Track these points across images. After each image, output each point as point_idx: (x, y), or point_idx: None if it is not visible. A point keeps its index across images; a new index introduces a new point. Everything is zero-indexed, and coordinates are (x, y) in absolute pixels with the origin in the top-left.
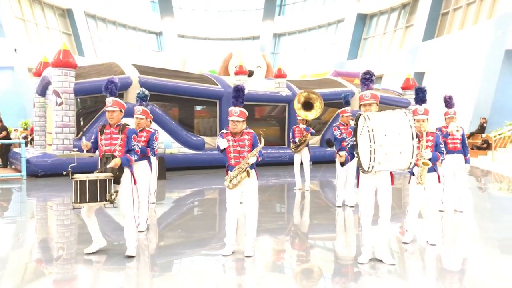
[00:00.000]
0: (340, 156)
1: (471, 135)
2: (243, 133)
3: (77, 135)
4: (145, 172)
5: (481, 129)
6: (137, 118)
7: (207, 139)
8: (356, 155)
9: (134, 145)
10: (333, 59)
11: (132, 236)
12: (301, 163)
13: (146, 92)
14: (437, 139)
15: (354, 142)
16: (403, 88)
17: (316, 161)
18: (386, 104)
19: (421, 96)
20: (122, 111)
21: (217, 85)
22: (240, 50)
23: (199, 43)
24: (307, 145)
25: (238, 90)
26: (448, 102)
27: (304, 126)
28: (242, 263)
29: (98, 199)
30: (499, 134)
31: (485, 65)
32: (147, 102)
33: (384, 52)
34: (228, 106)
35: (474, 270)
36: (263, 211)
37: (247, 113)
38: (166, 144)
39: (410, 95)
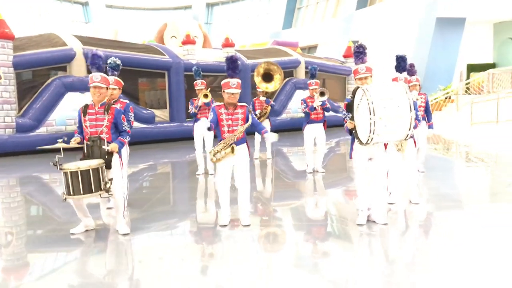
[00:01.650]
0: (350, 123)
1: None
2: (237, 106)
3: (18, 112)
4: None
5: None
6: (109, 89)
7: (157, 112)
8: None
9: (125, 125)
10: (268, 29)
11: (121, 215)
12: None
13: (118, 61)
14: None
15: (350, 115)
16: (344, 56)
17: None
18: (329, 72)
19: (402, 65)
20: (108, 89)
21: (165, 55)
22: (175, 20)
23: (128, 14)
24: (268, 117)
25: (233, 61)
26: (410, 70)
27: (264, 98)
28: (222, 233)
29: (94, 190)
30: (435, 99)
31: (417, 32)
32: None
33: (318, 21)
34: (177, 77)
35: (449, 222)
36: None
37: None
38: None
39: (352, 63)
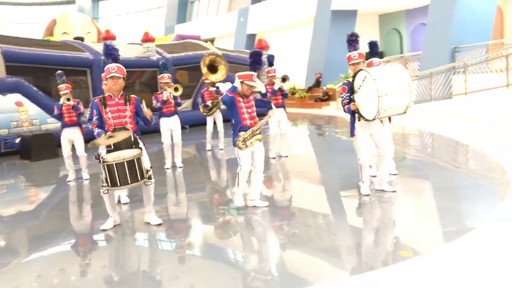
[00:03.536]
0: (354, 105)
1: (309, 89)
2: (249, 95)
3: None
4: None
5: (318, 83)
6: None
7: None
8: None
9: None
10: (162, 23)
11: (152, 206)
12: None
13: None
14: None
15: (351, 97)
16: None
17: (192, 125)
18: (240, 64)
19: (375, 50)
20: (124, 79)
21: (86, 52)
22: (64, 15)
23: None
24: (219, 107)
25: (258, 55)
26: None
27: (214, 89)
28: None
29: (139, 178)
30: (339, 87)
31: (314, 25)
32: None
33: (213, 15)
34: (100, 74)
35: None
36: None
37: None
38: (41, 120)
39: (264, 55)
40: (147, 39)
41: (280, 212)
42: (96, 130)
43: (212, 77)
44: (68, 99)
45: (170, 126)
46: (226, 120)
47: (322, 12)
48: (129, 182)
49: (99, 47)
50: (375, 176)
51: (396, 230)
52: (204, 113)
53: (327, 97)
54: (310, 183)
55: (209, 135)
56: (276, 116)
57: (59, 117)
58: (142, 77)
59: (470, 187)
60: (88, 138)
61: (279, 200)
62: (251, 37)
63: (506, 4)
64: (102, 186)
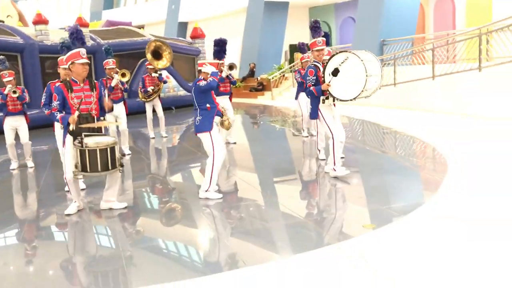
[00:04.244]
0: (328, 85)
1: (244, 79)
2: None
3: None
4: None
5: (252, 73)
6: (64, 69)
7: None
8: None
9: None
10: (87, 8)
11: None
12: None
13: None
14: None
15: (323, 78)
16: (192, 37)
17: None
18: (178, 52)
19: (326, 40)
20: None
21: (16, 36)
22: None
23: None
24: (159, 94)
25: (224, 43)
26: (303, 48)
27: (157, 75)
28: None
29: (117, 165)
30: (273, 78)
31: (247, 15)
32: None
33: (142, 2)
34: (32, 60)
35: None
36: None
37: None
38: None
39: (200, 43)
40: (81, 24)
41: (228, 198)
42: (59, 115)
43: (159, 64)
44: (14, 92)
45: (114, 113)
46: (165, 108)
47: (255, 2)
48: (110, 168)
49: (30, 31)
50: (324, 159)
51: (350, 208)
52: (143, 99)
53: (262, 87)
54: (257, 168)
55: (150, 123)
56: (221, 103)
57: (2, 106)
58: None
59: (408, 169)
60: (33, 125)
61: (227, 185)
62: (183, 25)
63: (428, 1)
64: (77, 171)
